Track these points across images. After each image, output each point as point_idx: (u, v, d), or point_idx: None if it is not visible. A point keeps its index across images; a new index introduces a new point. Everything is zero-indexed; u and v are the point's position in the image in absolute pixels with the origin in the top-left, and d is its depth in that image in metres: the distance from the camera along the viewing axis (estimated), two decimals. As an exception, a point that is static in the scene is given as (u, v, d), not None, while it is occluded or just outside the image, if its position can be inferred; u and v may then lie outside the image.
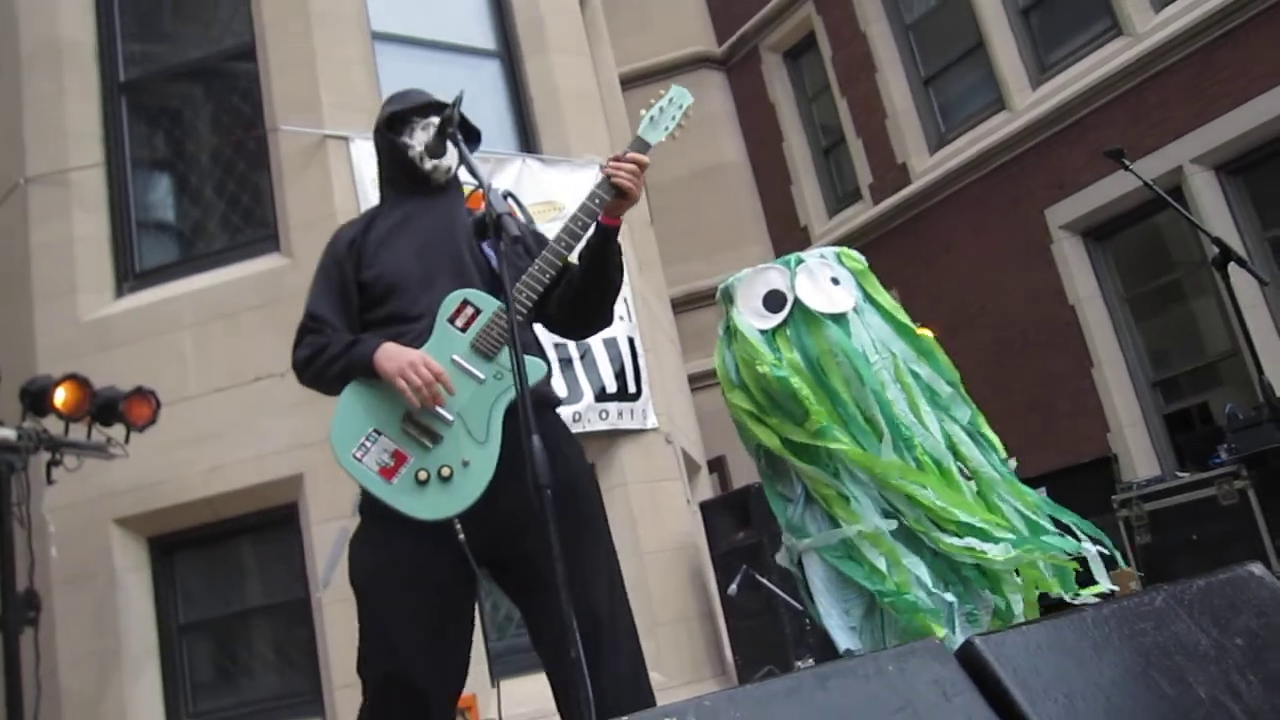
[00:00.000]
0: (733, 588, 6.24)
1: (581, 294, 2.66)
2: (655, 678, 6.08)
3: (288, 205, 6.10)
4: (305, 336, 2.65)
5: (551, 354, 6.23)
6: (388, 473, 2.42)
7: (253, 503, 5.85)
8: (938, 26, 11.11)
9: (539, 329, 2.83)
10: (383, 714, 2.46)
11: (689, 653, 6.36)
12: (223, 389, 5.83)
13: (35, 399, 5.03)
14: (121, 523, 5.79)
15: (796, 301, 3.29)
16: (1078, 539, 3.17)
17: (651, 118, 2.67)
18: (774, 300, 3.33)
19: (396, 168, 2.77)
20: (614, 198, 2.56)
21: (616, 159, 2.60)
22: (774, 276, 3.38)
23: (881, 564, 3.11)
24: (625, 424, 6.59)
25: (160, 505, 5.78)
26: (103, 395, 5.20)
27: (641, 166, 2.58)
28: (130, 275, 6.38)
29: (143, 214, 6.64)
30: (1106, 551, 3.18)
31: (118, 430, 5.33)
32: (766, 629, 6.30)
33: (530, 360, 2.47)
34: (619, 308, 6.74)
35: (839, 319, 3.25)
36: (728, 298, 3.51)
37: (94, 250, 6.31)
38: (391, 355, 2.46)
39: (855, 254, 3.56)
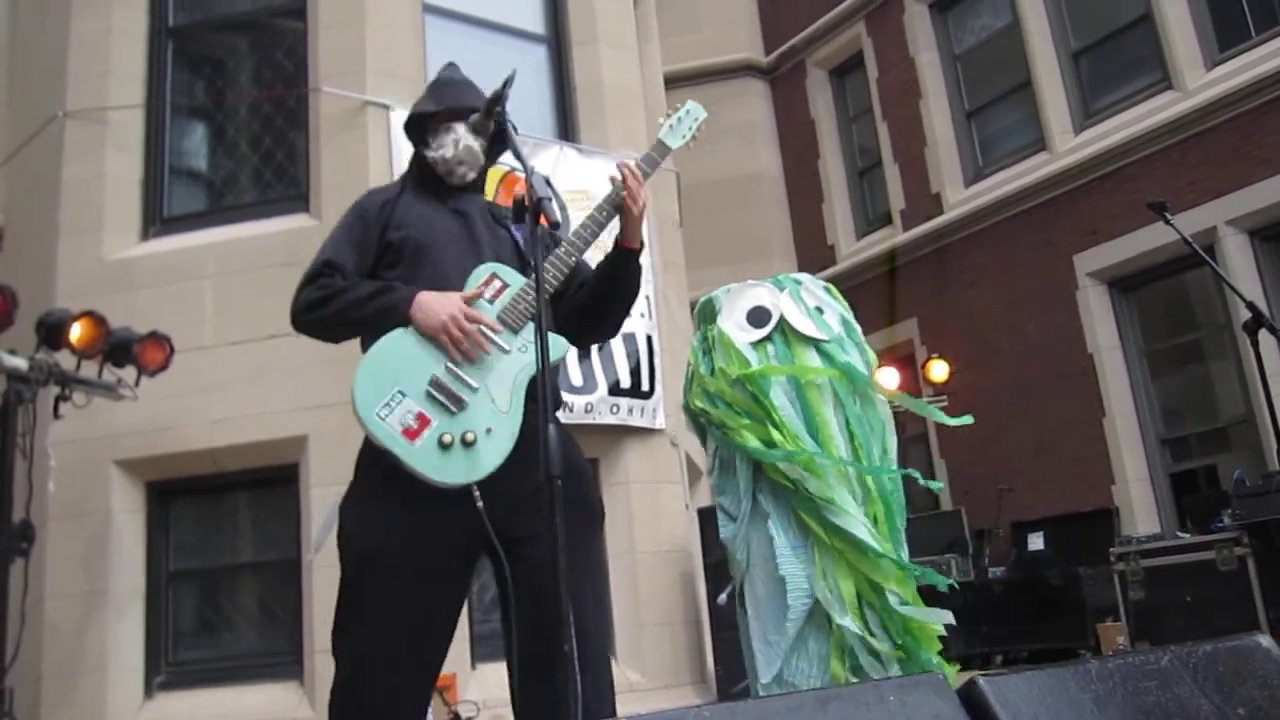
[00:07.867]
0: (722, 597, 6.18)
1: (594, 304, 2.70)
2: (633, 678, 6.13)
3: (321, 167, 6.09)
4: (319, 279, 2.60)
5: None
6: (411, 434, 2.37)
7: (255, 458, 5.84)
8: (987, 60, 11.07)
9: None
10: (361, 691, 2.40)
11: (670, 656, 6.34)
12: (237, 342, 5.83)
13: (50, 332, 5.03)
14: (122, 464, 5.79)
15: (782, 319, 3.33)
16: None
17: (671, 125, 2.82)
18: (757, 316, 3.37)
19: (420, 164, 2.83)
20: (617, 211, 2.64)
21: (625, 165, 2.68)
22: (761, 293, 3.42)
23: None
24: (635, 421, 6.57)
25: (162, 451, 5.78)
26: (118, 335, 5.21)
27: (636, 177, 2.64)
28: (157, 219, 6.38)
29: (176, 160, 6.64)
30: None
31: (129, 372, 5.35)
32: (751, 643, 6.26)
33: (553, 338, 2.48)
34: (640, 304, 6.72)
35: (820, 345, 3.29)
36: (709, 312, 3.54)
37: (124, 191, 6.31)
38: (432, 306, 2.46)
39: (839, 294, 3.61)
